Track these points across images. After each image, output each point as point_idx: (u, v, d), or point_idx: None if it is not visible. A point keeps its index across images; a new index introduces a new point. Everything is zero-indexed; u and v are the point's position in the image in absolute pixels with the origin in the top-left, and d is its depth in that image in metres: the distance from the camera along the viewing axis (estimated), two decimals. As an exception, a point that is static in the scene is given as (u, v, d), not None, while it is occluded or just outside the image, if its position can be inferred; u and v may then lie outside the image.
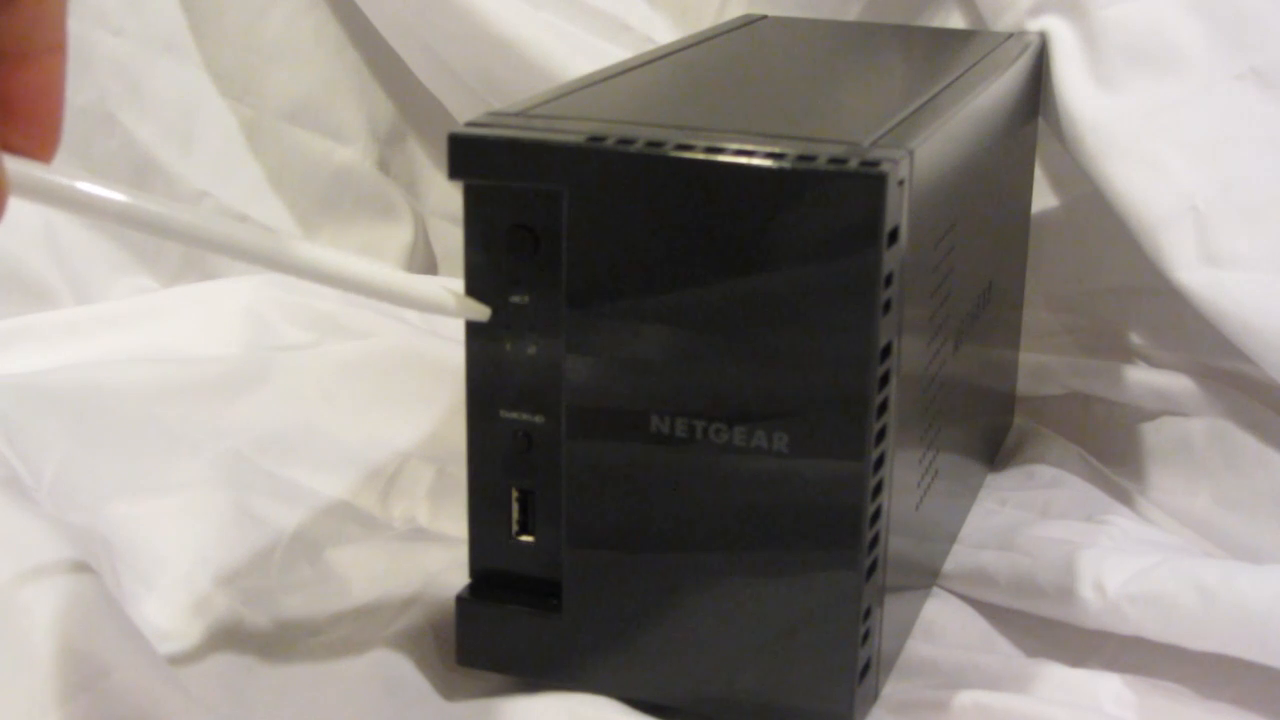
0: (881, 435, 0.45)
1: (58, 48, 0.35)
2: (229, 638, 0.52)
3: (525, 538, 0.48)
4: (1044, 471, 0.68)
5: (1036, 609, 0.56)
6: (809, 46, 0.67)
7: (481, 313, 0.46)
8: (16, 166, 0.33)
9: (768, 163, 0.43)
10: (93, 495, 0.59)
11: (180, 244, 0.40)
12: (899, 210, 0.43)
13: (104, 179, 0.36)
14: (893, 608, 0.50)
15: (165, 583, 0.55)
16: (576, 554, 0.47)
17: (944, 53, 0.64)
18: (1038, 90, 0.69)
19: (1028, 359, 0.74)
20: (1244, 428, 0.67)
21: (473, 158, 0.46)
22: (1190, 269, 0.64)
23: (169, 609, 0.54)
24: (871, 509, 0.45)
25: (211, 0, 0.84)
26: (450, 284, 0.47)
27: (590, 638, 0.48)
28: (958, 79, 0.56)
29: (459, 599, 0.49)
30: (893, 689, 0.51)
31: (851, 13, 0.77)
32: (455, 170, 0.46)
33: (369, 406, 0.68)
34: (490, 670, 0.50)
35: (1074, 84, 0.67)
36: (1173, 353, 0.71)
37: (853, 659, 0.46)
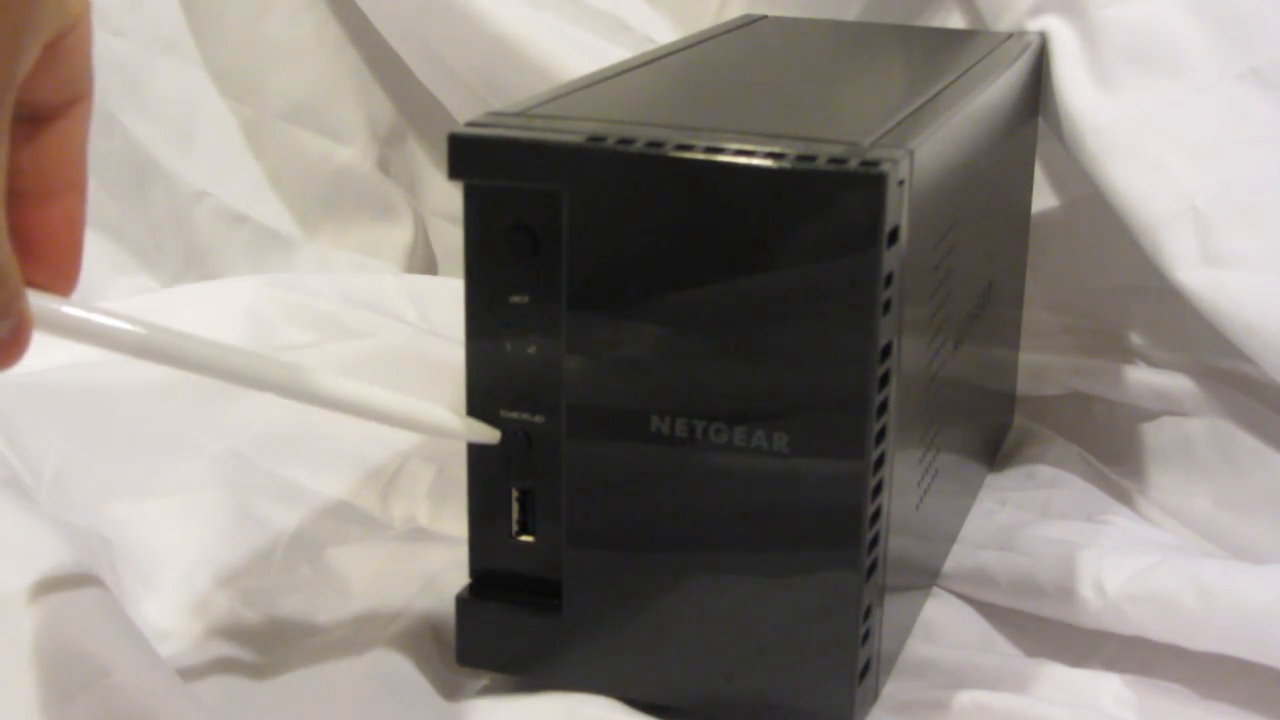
0: (881, 435, 0.45)
1: (77, 186, 0.36)
2: (229, 638, 0.52)
3: (525, 538, 0.48)
4: (1044, 471, 0.68)
5: (1036, 609, 0.56)
6: (809, 46, 0.67)
7: (491, 435, 0.47)
8: (39, 301, 0.34)
9: (768, 163, 0.43)
10: (93, 495, 0.59)
11: (195, 374, 0.40)
12: (899, 210, 0.43)
13: (109, 315, 0.37)
14: (893, 608, 0.50)
15: (165, 583, 0.55)
16: (576, 554, 0.47)
17: (944, 53, 0.64)
18: (1038, 90, 0.69)
19: (1028, 359, 0.74)
20: (1244, 428, 0.67)
21: (472, 158, 0.46)
22: (1190, 269, 0.64)
23: (169, 609, 0.54)
24: (871, 509, 0.45)
25: (211, 0, 0.84)
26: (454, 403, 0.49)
27: (590, 638, 0.48)
28: (958, 79, 0.56)
29: (459, 599, 0.49)
30: (893, 689, 0.51)
31: (851, 13, 0.77)
32: (455, 170, 0.46)
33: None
34: (490, 670, 0.50)
35: (1074, 84, 0.67)
36: (1173, 353, 0.71)
37: (853, 659, 0.46)
